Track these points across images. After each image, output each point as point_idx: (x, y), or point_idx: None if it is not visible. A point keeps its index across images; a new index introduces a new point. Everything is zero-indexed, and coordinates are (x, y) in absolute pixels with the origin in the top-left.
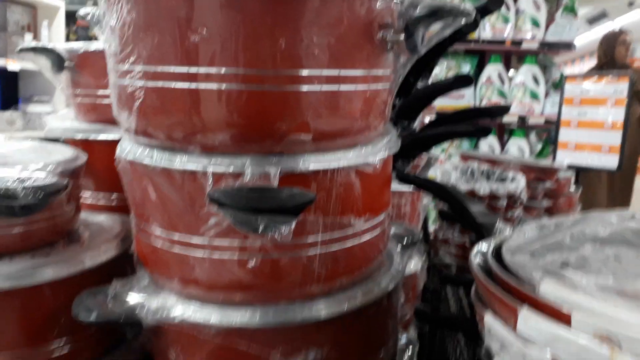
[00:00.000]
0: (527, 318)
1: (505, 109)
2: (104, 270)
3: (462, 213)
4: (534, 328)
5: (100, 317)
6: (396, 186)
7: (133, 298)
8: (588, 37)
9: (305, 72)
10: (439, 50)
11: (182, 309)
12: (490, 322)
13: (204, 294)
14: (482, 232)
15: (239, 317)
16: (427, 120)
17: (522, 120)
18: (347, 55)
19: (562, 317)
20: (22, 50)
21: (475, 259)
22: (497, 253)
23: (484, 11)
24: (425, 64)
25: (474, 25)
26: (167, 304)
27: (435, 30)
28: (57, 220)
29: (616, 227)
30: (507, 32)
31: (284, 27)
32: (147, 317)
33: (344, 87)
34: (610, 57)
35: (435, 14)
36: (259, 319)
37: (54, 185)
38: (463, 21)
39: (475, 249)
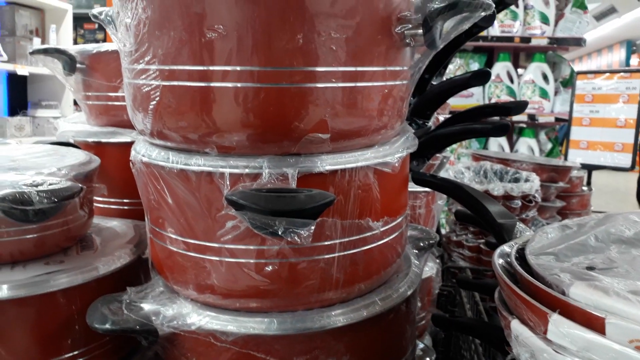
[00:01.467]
0: (558, 324)
1: (522, 106)
2: (118, 276)
3: (480, 213)
4: (566, 334)
5: (115, 326)
6: (410, 187)
7: (148, 306)
8: (595, 34)
9: (322, 69)
10: (455, 46)
11: (197, 317)
12: (518, 328)
13: (220, 301)
14: (502, 233)
15: (256, 325)
16: (441, 118)
17: (532, 118)
18: (364, 51)
19: (595, 323)
20: (34, 52)
21: (498, 261)
22: (520, 255)
23: (499, 4)
24: (440, 60)
25: (490, 18)
26: (182, 312)
27: (452, 25)
28: (70, 226)
29: None
30: (516, 29)
31: (301, 22)
32: (163, 325)
33: (362, 84)
34: None
35: (454, 6)
36: (277, 327)
37: (68, 189)
38: (482, 14)
39: (498, 251)
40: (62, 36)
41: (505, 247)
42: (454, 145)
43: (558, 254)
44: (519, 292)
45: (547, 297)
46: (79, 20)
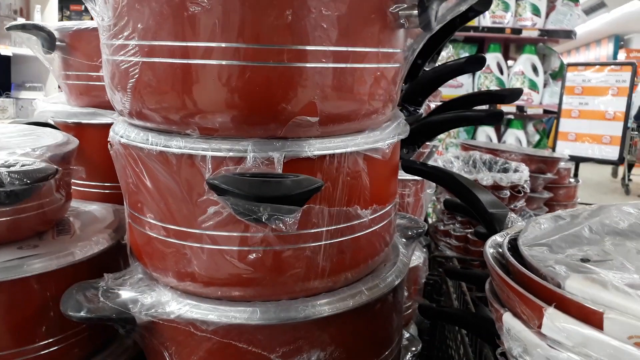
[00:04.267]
0: (554, 318)
1: (517, 93)
2: (95, 262)
3: (471, 202)
4: (561, 329)
5: (90, 314)
6: (399, 175)
7: (126, 293)
8: (585, 28)
9: (312, 48)
10: (449, 31)
11: (177, 305)
12: (511, 322)
13: (201, 289)
14: (492, 223)
15: (238, 314)
16: (432, 105)
17: (521, 110)
18: (357, 30)
19: (592, 318)
20: (10, 27)
21: (489, 252)
22: (512, 246)
23: None
24: (433, 45)
25: (487, 2)
26: (161, 300)
27: (448, 6)
28: (45, 209)
29: (635, 218)
30: (507, 20)
31: None
32: (141, 314)
33: (353, 65)
34: None
35: None
36: (260, 316)
37: (42, 170)
38: None
39: (489, 241)
40: (47, 17)
41: (497, 237)
42: (442, 135)
43: (552, 245)
44: (512, 285)
45: (541, 290)
46: (65, 2)
